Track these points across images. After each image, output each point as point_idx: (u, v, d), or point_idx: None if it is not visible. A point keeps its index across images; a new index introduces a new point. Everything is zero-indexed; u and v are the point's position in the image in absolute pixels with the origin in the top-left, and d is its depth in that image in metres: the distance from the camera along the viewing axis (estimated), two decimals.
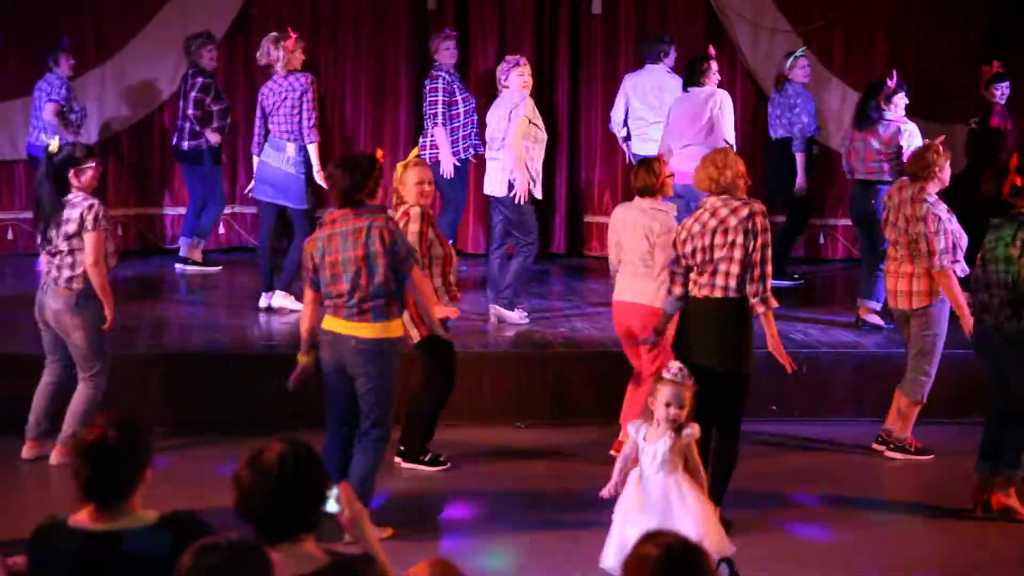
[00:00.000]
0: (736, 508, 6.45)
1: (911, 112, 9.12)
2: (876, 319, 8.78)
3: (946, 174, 7.30)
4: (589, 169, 11.33)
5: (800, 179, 10.05)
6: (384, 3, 11.05)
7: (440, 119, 9.31)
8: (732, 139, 9.05)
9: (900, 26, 11.23)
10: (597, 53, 11.22)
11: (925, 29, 11.23)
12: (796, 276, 10.39)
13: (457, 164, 9.33)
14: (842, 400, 8.19)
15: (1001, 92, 9.78)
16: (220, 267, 10.48)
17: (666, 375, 5.50)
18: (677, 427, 5.43)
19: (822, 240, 11.48)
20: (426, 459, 7.18)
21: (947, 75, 11.01)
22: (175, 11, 10.69)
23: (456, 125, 9.39)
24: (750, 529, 6.28)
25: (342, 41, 11.10)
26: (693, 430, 5.45)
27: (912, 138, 8.75)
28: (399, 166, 7.11)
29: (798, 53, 10.29)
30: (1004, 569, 6.17)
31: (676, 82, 9.63)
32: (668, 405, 5.42)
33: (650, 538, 2.99)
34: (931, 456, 7.45)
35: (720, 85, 9.42)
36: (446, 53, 9.69)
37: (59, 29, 10.42)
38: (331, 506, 3.24)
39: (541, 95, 10.69)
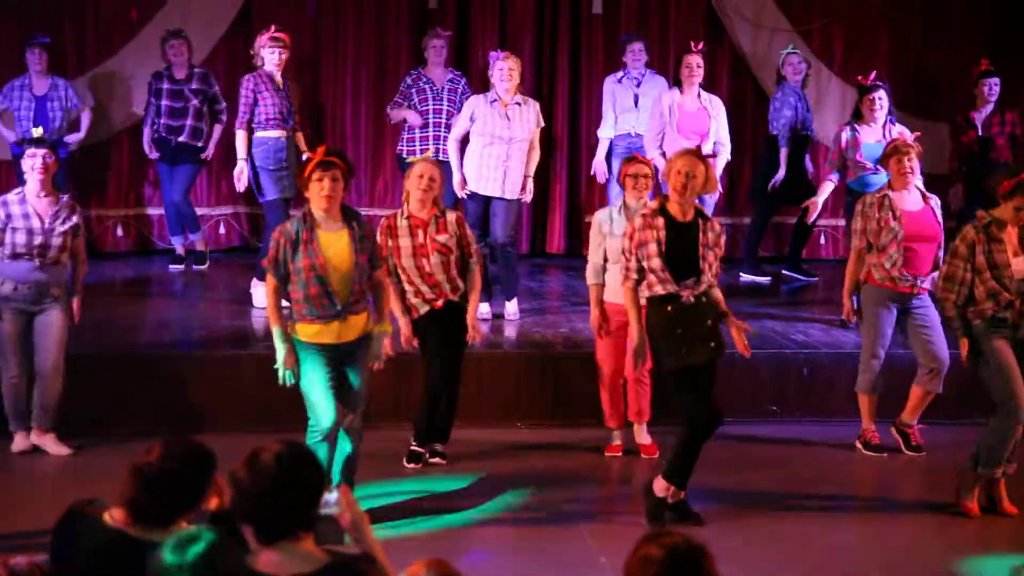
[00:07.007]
0: (737, 508, 6.43)
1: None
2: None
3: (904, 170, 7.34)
4: (589, 169, 11.29)
5: (780, 172, 10.07)
6: (385, 2, 11.03)
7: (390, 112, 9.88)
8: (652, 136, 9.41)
9: (900, 26, 11.23)
10: (597, 53, 11.20)
11: (925, 29, 11.22)
12: (774, 274, 10.53)
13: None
14: (843, 400, 8.16)
15: (988, 88, 9.78)
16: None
17: None
18: None
19: (823, 240, 11.47)
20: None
21: (947, 75, 11.00)
22: (175, 11, 10.68)
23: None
24: (750, 529, 6.27)
25: (342, 41, 11.08)
26: None
27: (845, 140, 8.90)
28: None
29: (787, 51, 10.30)
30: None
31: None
32: None
33: (653, 538, 2.94)
34: (884, 454, 7.54)
35: (719, 83, 9.39)
36: (432, 52, 9.78)
37: (60, 29, 10.41)
38: (332, 508, 3.24)
39: (541, 95, 10.67)
